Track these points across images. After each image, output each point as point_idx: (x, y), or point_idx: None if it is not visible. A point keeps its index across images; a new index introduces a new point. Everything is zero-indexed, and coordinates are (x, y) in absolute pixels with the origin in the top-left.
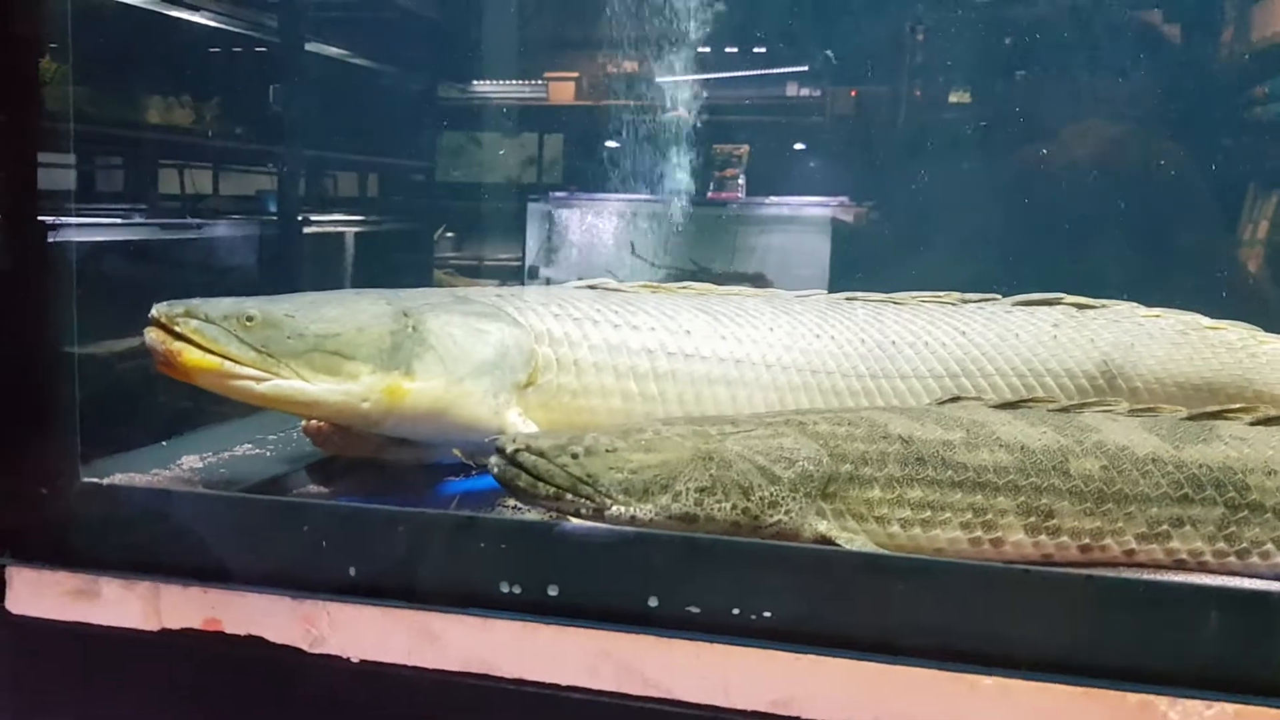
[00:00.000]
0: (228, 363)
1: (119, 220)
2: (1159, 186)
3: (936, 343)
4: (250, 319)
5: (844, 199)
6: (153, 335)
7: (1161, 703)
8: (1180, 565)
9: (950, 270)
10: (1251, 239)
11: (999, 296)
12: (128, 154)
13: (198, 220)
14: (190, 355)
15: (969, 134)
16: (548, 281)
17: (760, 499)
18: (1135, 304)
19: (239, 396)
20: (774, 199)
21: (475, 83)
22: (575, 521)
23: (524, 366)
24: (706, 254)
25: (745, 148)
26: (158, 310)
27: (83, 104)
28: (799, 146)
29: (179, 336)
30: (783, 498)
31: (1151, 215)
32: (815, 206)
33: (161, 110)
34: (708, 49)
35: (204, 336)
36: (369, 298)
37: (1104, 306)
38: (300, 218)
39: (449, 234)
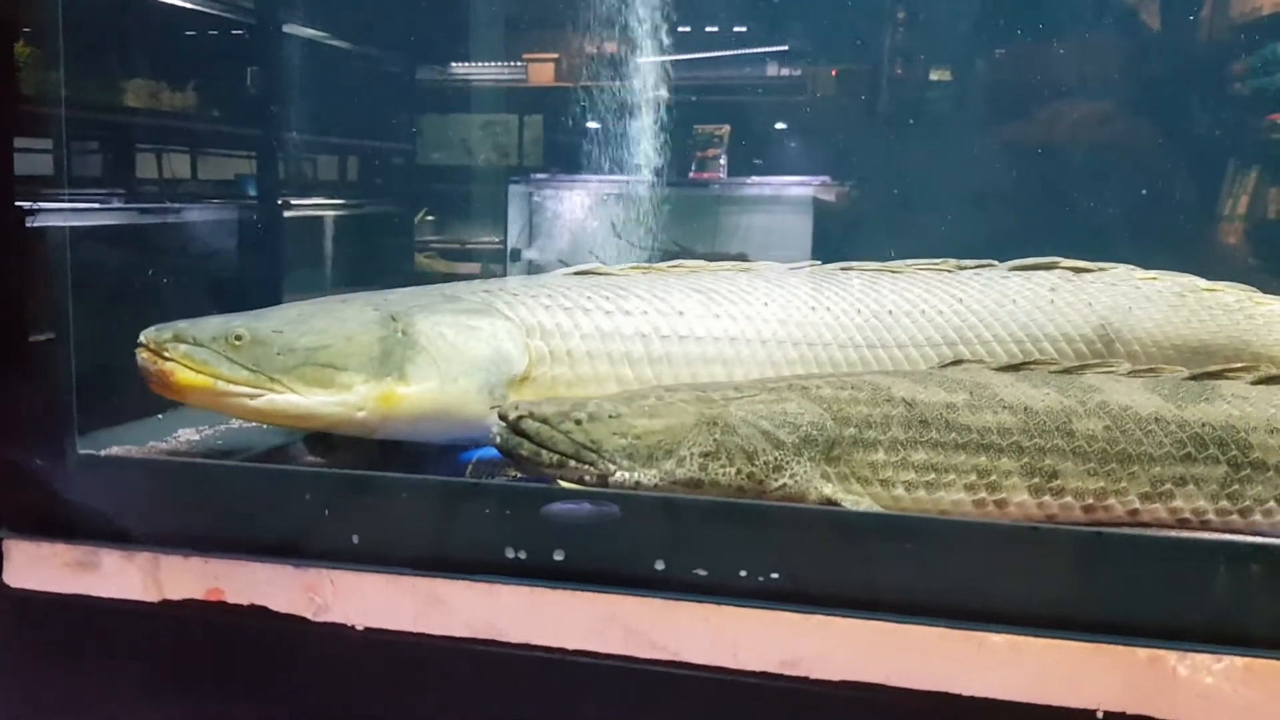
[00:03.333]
0: (220, 382)
1: (97, 205)
2: (1143, 160)
3: (933, 310)
4: (239, 338)
5: (825, 178)
6: (144, 359)
7: (1171, 657)
8: (1184, 524)
9: (937, 248)
10: (1232, 213)
11: (995, 262)
12: (103, 138)
13: (176, 204)
14: (182, 376)
15: (951, 112)
16: (530, 264)
17: (765, 463)
18: (1132, 266)
19: (235, 414)
20: (756, 179)
21: (454, 64)
22: (580, 488)
23: (518, 361)
24: (689, 234)
25: (726, 127)
26: (146, 336)
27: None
28: (780, 126)
29: (169, 361)
30: (787, 462)
31: (1138, 188)
32: (797, 186)
33: (139, 93)
34: (688, 28)
35: (194, 360)
36: (355, 305)
37: (1101, 270)
38: (280, 202)
39: (430, 217)
